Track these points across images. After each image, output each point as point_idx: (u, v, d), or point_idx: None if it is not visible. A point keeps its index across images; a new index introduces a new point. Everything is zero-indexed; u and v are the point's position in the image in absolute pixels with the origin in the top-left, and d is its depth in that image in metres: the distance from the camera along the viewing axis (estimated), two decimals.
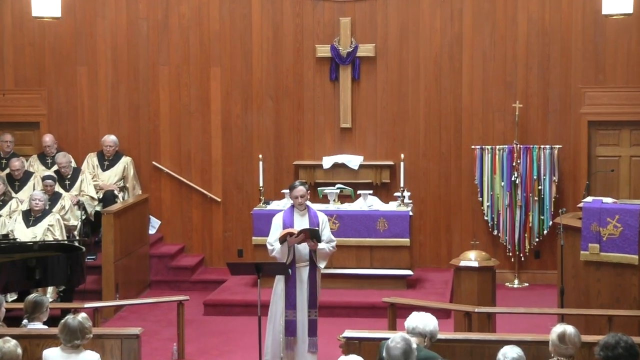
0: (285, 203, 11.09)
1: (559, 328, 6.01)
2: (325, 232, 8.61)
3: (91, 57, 12.63)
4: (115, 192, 12.11)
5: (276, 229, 8.59)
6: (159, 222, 12.62)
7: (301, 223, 8.56)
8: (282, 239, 8.42)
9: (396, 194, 11.46)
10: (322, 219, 8.66)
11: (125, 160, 12.39)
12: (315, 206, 10.41)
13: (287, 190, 11.17)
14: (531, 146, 11.88)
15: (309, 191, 8.71)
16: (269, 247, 8.59)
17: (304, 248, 8.51)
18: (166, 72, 12.58)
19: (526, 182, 11.85)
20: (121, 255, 11.10)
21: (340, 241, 10.83)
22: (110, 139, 12.35)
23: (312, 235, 8.43)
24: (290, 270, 8.42)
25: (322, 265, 8.58)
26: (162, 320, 10.66)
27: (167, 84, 12.58)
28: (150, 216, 12.45)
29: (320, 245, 8.49)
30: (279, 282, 8.59)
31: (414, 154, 12.26)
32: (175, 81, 12.57)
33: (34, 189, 11.58)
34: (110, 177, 12.29)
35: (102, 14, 12.58)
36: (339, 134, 12.39)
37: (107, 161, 12.37)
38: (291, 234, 8.37)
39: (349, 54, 12.19)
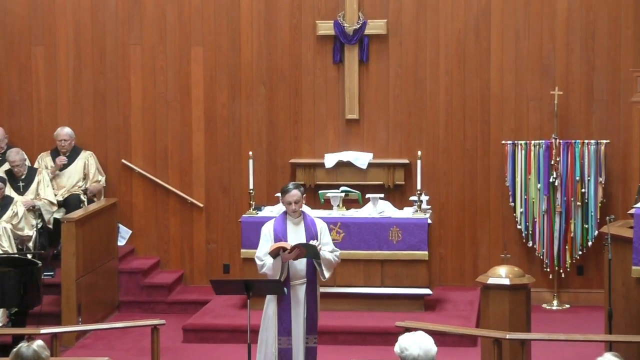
0: (280, 209, 11.03)
1: (600, 358, 5.92)
2: (326, 241, 8.60)
3: (49, 36, 12.61)
4: (82, 196, 12.09)
5: (266, 241, 8.56)
6: (130, 231, 12.61)
7: (295, 233, 8.53)
8: (274, 253, 8.37)
9: (412, 198, 11.46)
10: (321, 226, 8.66)
11: (84, 156, 12.36)
12: (314, 212, 10.34)
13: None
14: (573, 141, 11.85)
15: (305, 195, 8.70)
16: (257, 262, 8.57)
17: (299, 263, 8.49)
18: (138, 53, 12.56)
19: (567, 184, 11.83)
20: (84, 271, 11.05)
21: (345, 254, 10.78)
22: (64, 131, 12.32)
23: (309, 252, 8.36)
24: (285, 289, 8.39)
25: (327, 275, 8.55)
26: (133, 349, 10.62)
27: (139, 68, 12.56)
28: (119, 224, 12.44)
29: (324, 254, 8.45)
30: (271, 303, 8.55)
31: (433, 151, 12.24)
32: (149, 64, 12.55)
33: None
34: (71, 177, 12.27)
35: None
36: (344, 127, 12.37)
37: None
38: (284, 249, 8.33)
39: (355, 32, 12.17)
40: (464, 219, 12.26)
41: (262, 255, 8.50)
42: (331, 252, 8.58)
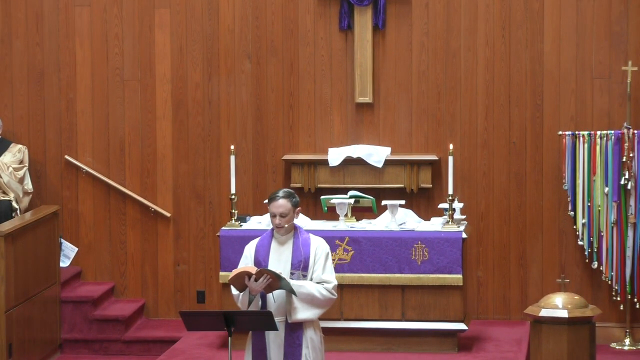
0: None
1: None
2: (318, 268, 8.29)
3: None
4: (14, 203, 12.13)
5: (246, 265, 8.36)
6: (76, 249, 12.66)
7: (279, 256, 8.34)
8: (239, 283, 8.17)
9: (442, 205, 11.50)
10: (316, 246, 8.33)
11: (14, 151, 12.40)
12: (313, 224, 10.36)
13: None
14: None
15: (299, 208, 8.36)
16: (232, 291, 8.37)
17: (281, 292, 8.21)
18: (86, 17, 12.60)
19: None
20: (17, 301, 11.10)
21: (355, 279, 10.86)
22: None
23: (284, 283, 8.10)
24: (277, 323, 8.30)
25: (298, 316, 8.21)
26: None
27: (87, 36, 12.62)
28: (62, 240, 12.50)
29: (301, 285, 8.16)
30: (248, 348, 8.37)
31: (469, 145, 12.32)
32: (99, 31, 12.61)
33: None
34: None
35: None
36: (354, 114, 12.44)
37: None
38: (249, 275, 8.10)
39: None
40: (508, 233, 12.33)
41: None
42: (320, 282, 8.24)
